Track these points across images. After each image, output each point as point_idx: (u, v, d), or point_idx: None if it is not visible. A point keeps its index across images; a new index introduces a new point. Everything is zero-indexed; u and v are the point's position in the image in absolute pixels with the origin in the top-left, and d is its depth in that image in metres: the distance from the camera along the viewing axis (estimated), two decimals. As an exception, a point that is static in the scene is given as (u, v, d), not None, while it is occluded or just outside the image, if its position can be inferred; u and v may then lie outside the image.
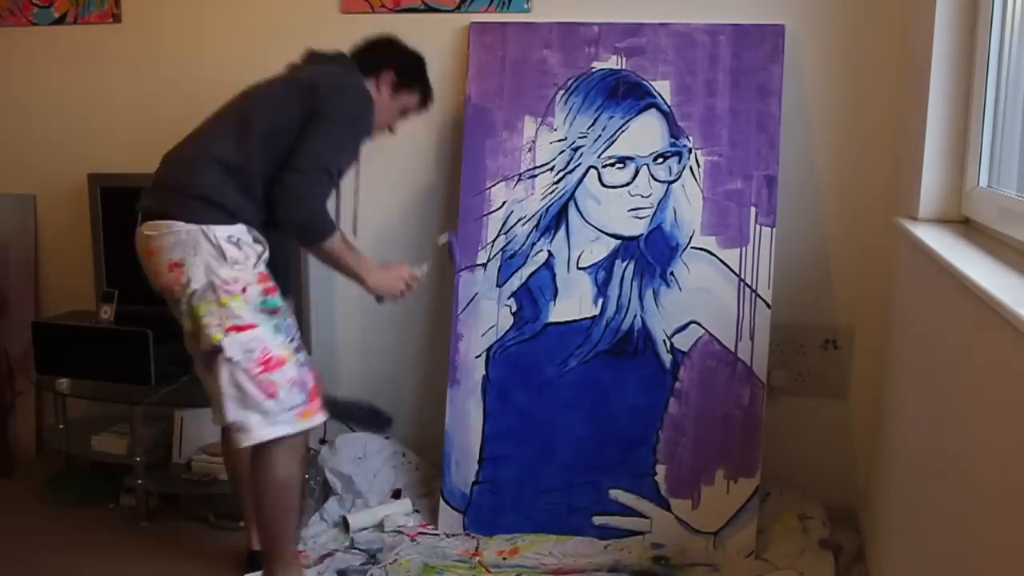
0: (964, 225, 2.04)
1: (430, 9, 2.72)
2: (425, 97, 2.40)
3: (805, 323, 2.65)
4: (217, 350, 1.99)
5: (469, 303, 2.60)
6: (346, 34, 2.80)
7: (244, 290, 2.00)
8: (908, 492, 1.93)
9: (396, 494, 2.69)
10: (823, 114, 2.58)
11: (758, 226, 2.47)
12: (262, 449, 2.05)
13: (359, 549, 2.45)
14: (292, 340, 2.08)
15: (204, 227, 1.98)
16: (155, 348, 2.62)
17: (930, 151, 2.10)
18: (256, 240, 2.06)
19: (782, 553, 2.37)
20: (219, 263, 1.98)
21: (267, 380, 2.01)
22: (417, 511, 2.63)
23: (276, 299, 2.06)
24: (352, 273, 2.20)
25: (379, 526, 2.55)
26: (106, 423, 2.89)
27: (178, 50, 2.94)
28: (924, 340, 1.89)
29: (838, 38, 2.54)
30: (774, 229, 2.47)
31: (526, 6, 2.68)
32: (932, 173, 2.11)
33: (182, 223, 1.98)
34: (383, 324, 2.91)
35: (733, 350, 2.46)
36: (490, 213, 2.61)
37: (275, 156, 2.04)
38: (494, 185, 2.61)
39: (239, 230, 2.02)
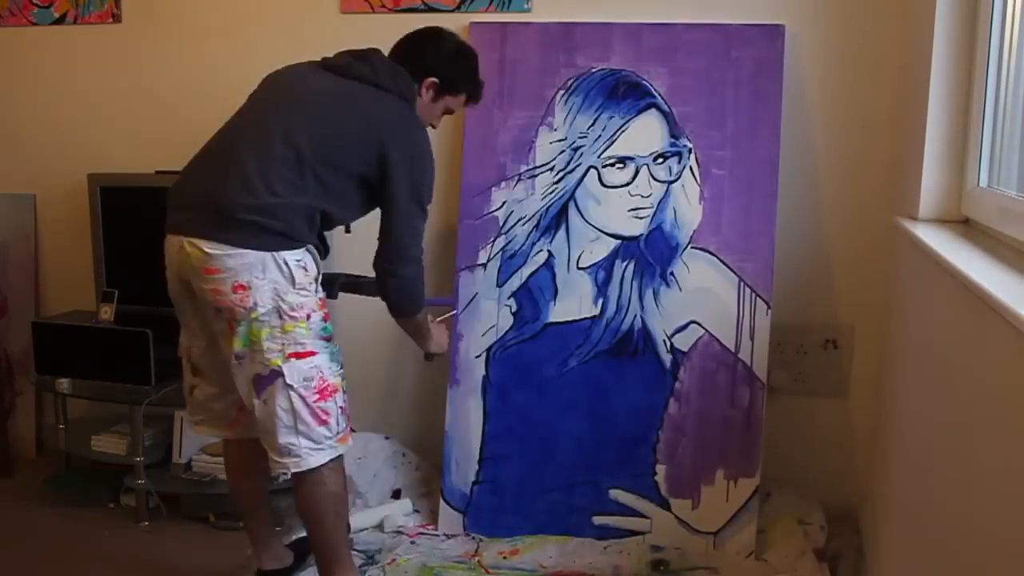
0: (964, 225, 2.04)
1: (430, 9, 2.72)
2: (472, 96, 2.28)
3: (805, 323, 2.65)
4: (276, 375, 1.94)
5: (469, 303, 2.60)
6: (346, 34, 2.80)
7: (308, 317, 1.96)
8: (908, 492, 1.93)
9: (396, 494, 2.68)
10: (823, 114, 2.57)
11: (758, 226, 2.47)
12: (308, 473, 2.02)
13: (358, 550, 2.45)
14: (342, 367, 2.06)
15: (274, 253, 1.91)
16: (155, 348, 2.62)
17: (930, 151, 2.10)
18: (315, 263, 2.01)
19: (782, 554, 2.37)
20: (287, 288, 1.93)
21: (322, 408, 1.98)
22: (417, 511, 2.63)
23: (330, 325, 2.03)
24: (419, 335, 2.30)
25: (379, 526, 2.55)
26: (106, 423, 2.89)
27: (178, 50, 2.94)
28: (924, 340, 1.89)
29: (838, 38, 2.54)
30: (774, 229, 2.46)
31: (526, 6, 2.68)
32: (932, 173, 2.10)
33: (251, 250, 1.90)
34: (382, 324, 2.89)
35: (733, 350, 2.46)
36: (490, 213, 2.61)
37: (330, 188, 1.99)
38: (494, 185, 2.61)
39: (305, 254, 1.97)
